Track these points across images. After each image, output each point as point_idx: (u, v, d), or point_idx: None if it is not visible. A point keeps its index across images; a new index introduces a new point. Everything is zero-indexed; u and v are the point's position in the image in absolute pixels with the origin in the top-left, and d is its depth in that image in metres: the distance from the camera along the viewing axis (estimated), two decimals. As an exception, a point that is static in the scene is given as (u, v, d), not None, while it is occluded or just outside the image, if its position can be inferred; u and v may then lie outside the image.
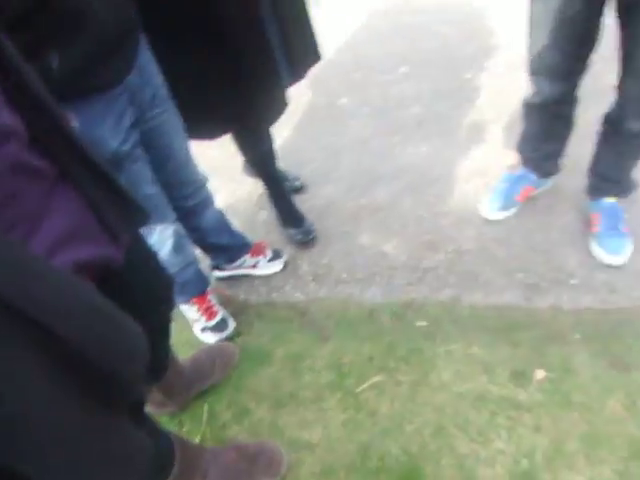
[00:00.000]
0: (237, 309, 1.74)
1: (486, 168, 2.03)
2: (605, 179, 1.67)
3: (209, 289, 1.66)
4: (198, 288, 1.62)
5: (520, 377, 1.39)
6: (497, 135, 2.18)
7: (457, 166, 2.08)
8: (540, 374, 1.38)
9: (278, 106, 1.59)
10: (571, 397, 1.33)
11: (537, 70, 1.54)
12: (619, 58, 1.39)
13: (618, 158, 1.59)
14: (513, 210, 1.84)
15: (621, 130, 1.49)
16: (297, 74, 1.64)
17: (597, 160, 1.66)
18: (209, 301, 1.66)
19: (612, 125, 1.53)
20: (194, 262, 1.55)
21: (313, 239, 1.88)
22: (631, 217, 1.70)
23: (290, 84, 1.63)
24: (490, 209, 1.84)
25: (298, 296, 1.73)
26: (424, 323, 1.57)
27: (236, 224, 1.77)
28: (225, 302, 1.74)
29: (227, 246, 1.71)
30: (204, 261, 1.79)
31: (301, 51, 1.60)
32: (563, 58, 1.45)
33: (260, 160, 1.77)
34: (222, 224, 1.66)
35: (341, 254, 1.84)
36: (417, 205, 1.96)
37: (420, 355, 1.49)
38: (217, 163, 2.17)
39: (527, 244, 1.74)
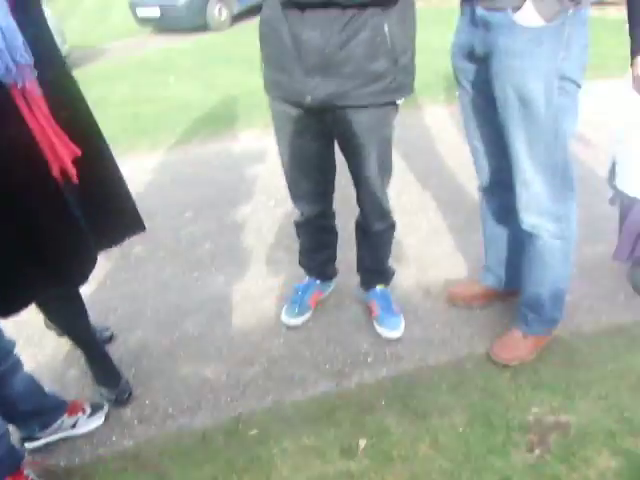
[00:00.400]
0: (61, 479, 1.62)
1: (279, 283, 2.33)
2: (370, 272, 2.08)
3: (24, 462, 1.53)
4: (11, 465, 1.49)
5: (348, 451, 1.57)
6: (282, 255, 2.52)
7: (254, 287, 2.34)
8: (363, 443, 1.58)
9: (86, 265, 1.56)
10: (391, 453, 1.54)
11: (296, 196, 1.92)
12: (353, 181, 1.83)
13: (374, 253, 2.01)
14: (309, 314, 2.12)
15: (369, 232, 1.92)
16: (112, 241, 1.68)
17: (360, 258, 2.06)
18: (26, 477, 1.52)
19: (362, 229, 1.95)
20: (4, 435, 1.44)
21: (129, 396, 1.84)
22: (397, 297, 2.11)
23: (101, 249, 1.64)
24: (290, 317, 2.09)
25: (127, 443, 1.69)
26: (255, 431, 1.67)
27: (45, 386, 1.70)
28: (45, 474, 1.61)
29: (41, 410, 1.62)
30: (14, 434, 1.65)
31: (113, 220, 1.64)
32: (313, 185, 1.86)
33: (71, 324, 1.76)
34: (33, 388, 1.58)
35: (164, 390, 1.87)
36: (226, 329, 2.12)
37: (258, 461, 1.57)
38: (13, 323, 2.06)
39: (326, 339, 2.02)
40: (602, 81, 4.17)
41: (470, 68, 1.59)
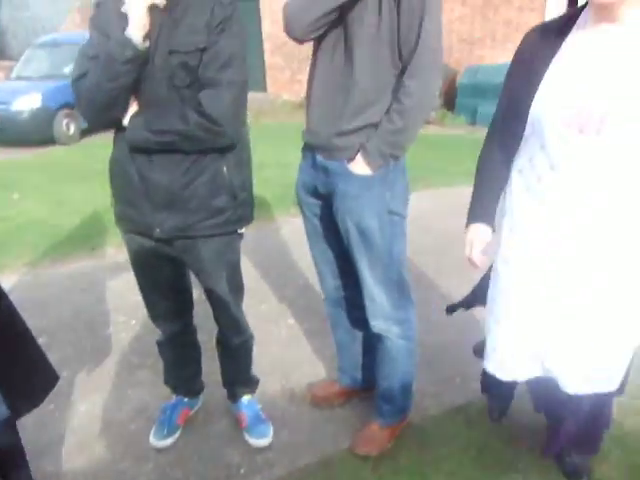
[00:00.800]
0: None
1: (145, 406, 2.30)
2: (235, 384, 2.16)
3: None
4: None
5: None
6: (146, 375, 2.51)
7: (120, 411, 2.28)
8: None
9: None
10: None
11: (154, 316, 2.00)
12: (208, 301, 1.95)
13: (236, 366, 2.11)
14: (178, 433, 2.12)
15: (229, 346, 2.03)
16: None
17: (224, 372, 2.15)
18: None
19: (222, 344, 2.06)
20: None
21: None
22: (263, 405, 2.21)
23: None
24: (159, 439, 2.07)
25: None
26: None
27: None
28: None
29: None
30: None
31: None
32: (171, 304, 1.96)
33: None
34: None
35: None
36: (90, 461, 2.03)
37: None
38: None
39: (198, 457, 2.03)
40: (426, 192, 4.93)
41: (314, 202, 1.88)
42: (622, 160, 1.33)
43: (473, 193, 1.68)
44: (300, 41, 1.66)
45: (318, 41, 1.68)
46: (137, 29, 1.47)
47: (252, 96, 10.57)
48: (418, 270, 3.25)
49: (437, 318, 2.79)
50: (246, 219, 1.85)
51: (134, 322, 2.97)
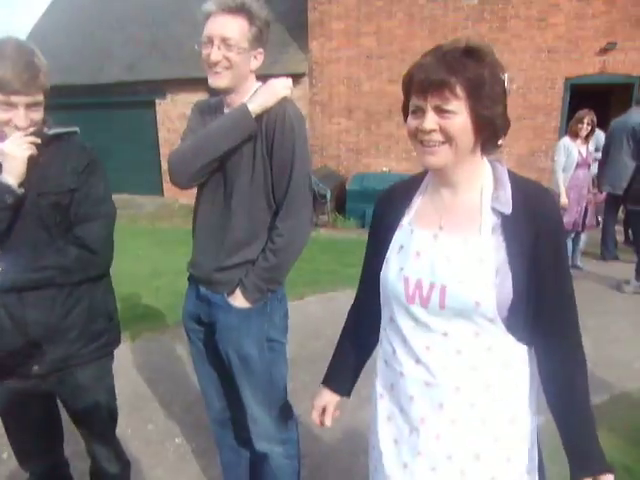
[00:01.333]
0: None
1: None
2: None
3: None
4: None
5: None
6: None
7: None
8: None
9: None
10: None
11: (23, 458, 1.88)
12: (80, 433, 1.91)
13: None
14: None
15: (106, 476, 1.95)
16: None
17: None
18: None
19: (98, 476, 1.98)
20: None
21: None
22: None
23: None
24: None
25: None
26: None
27: None
28: None
29: None
30: None
31: None
32: (39, 442, 1.86)
33: None
34: None
35: None
36: None
37: None
38: None
39: None
40: (315, 297, 5.13)
41: (199, 329, 1.98)
42: (465, 344, 1.22)
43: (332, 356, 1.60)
44: (184, 188, 1.83)
45: (200, 185, 1.86)
46: (16, 177, 1.55)
47: (149, 200, 10.78)
48: (309, 377, 3.34)
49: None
50: (118, 340, 1.91)
51: (5, 455, 2.74)
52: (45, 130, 1.64)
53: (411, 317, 1.27)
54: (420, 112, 1.16)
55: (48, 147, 1.63)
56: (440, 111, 1.13)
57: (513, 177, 1.25)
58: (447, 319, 1.22)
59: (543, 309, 1.22)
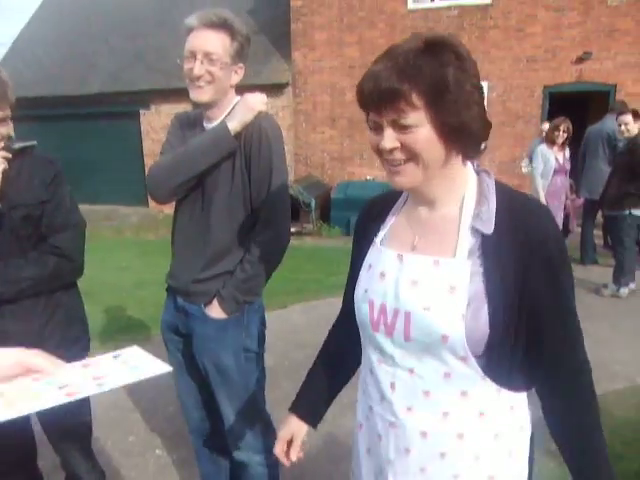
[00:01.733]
0: None
1: None
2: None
3: None
4: None
5: None
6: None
7: None
8: None
9: None
10: None
11: None
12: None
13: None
14: None
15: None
16: None
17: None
18: None
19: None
20: None
21: None
22: None
23: None
24: None
25: None
26: None
27: None
28: None
29: None
30: None
31: None
32: (11, 457, 1.85)
33: None
34: None
35: None
36: None
37: None
38: None
39: None
40: (299, 306, 5.16)
41: (177, 340, 2.00)
42: (434, 385, 1.06)
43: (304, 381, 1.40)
44: (163, 203, 1.86)
45: (179, 200, 1.89)
46: None
47: (133, 210, 10.76)
48: (291, 386, 3.36)
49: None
50: (89, 346, 1.95)
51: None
52: (11, 144, 1.67)
53: (376, 347, 1.13)
54: (379, 128, 1.00)
55: (14, 161, 1.67)
56: (398, 126, 0.97)
57: (501, 190, 1.07)
58: (413, 354, 1.06)
59: (541, 353, 1.04)
